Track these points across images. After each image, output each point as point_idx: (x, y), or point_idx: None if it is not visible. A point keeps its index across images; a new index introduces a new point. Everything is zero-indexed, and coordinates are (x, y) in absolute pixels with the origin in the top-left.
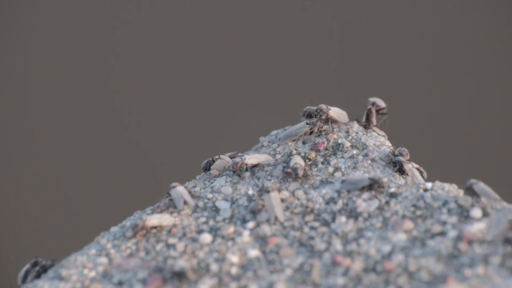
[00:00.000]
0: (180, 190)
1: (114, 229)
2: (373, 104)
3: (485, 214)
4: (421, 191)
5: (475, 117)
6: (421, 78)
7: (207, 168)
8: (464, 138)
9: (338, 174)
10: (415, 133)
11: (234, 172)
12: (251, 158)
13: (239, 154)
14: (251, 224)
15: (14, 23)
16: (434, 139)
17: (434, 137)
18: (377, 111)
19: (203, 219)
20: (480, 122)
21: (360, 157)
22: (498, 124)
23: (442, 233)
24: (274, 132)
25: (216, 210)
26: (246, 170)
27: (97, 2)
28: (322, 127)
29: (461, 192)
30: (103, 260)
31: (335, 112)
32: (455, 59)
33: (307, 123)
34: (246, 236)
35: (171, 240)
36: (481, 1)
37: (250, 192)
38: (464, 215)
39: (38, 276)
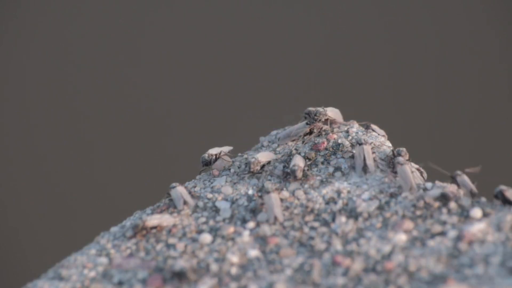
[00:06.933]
0: (180, 190)
1: (114, 229)
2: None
3: (485, 214)
4: (421, 191)
5: (475, 116)
6: (421, 78)
7: (206, 164)
8: (464, 138)
9: (338, 174)
10: (415, 133)
11: (252, 173)
12: (262, 157)
13: (239, 154)
14: (251, 224)
15: (15, 24)
16: (434, 139)
17: (434, 137)
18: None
19: (203, 219)
20: (480, 122)
21: None
22: (499, 123)
23: (442, 233)
24: (274, 132)
25: (216, 210)
26: (262, 168)
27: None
28: (322, 127)
29: (461, 192)
30: (103, 260)
31: (331, 111)
32: (455, 58)
33: (307, 123)
34: (246, 236)
35: (171, 240)
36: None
37: (250, 192)
38: (464, 215)
39: None
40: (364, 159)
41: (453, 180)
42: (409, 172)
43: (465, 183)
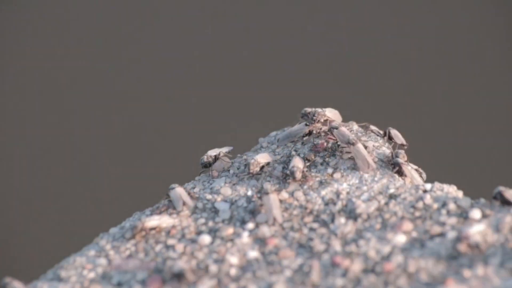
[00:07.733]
0: (179, 191)
1: (113, 230)
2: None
3: (484, 215)
4: (420, 192)
5: (475, 117)
6: (420, 78)
7: (205, 166)
8: (464, 138)
9: (337, 175)
10: (415, 134)
11: (251, 174)
12: (261, 158)
13: (238, 155)
14: (250, 225)
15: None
16: (434, 140)
17: (434, 138)
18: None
19: (202, 220)
20: (480, 122)
21: None
22: (499, 123)
23: (442, 234)
24: (273, 133)
25: (215, 211)
26: (261, 169)
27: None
28: (321, 128)
29: (460, 193)
30: (102, 261)
31: (330, 112)
32: (455, 58)
33: (306, 124)
34: (245, 237)
35: (170, 241)
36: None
37: (249, 193)
38: (464, 216)
39: None
40: (364, 157)
41: (386, 133)
42: (363, 150)
43: (397, 137)
